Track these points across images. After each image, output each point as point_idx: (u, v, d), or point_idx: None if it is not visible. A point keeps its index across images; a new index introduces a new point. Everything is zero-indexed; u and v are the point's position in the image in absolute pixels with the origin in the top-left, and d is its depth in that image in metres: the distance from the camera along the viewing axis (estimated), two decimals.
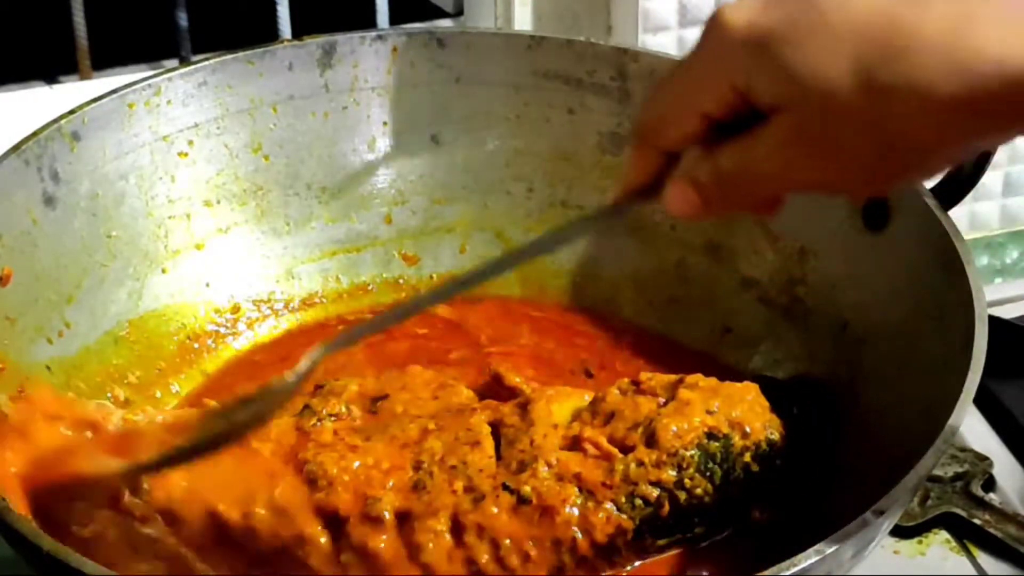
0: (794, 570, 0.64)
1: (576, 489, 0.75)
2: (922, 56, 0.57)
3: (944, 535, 0.88)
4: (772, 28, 0.60)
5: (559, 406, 0.81)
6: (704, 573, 0.78)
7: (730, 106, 0.62)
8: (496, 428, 0.80)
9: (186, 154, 0.94)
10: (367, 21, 1.19)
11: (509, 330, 0.96)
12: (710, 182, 0.64)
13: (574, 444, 0.78)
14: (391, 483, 0.76)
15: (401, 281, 1.00)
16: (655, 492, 0.76)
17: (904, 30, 0.58)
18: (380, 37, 0.98)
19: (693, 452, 0.77)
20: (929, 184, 0.86)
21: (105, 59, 1.17)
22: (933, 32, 0.57)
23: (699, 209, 0.65)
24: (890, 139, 0.59)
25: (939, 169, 0.64)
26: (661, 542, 0.77)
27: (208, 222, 0.95)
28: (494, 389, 0.87)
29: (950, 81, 0.57)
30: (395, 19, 1.20)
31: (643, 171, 0.67)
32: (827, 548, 0.65)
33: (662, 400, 0.80)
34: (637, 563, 0.77)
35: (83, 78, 1.15)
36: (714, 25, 0.62)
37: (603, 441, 0.77)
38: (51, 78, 1.19)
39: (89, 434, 0.76)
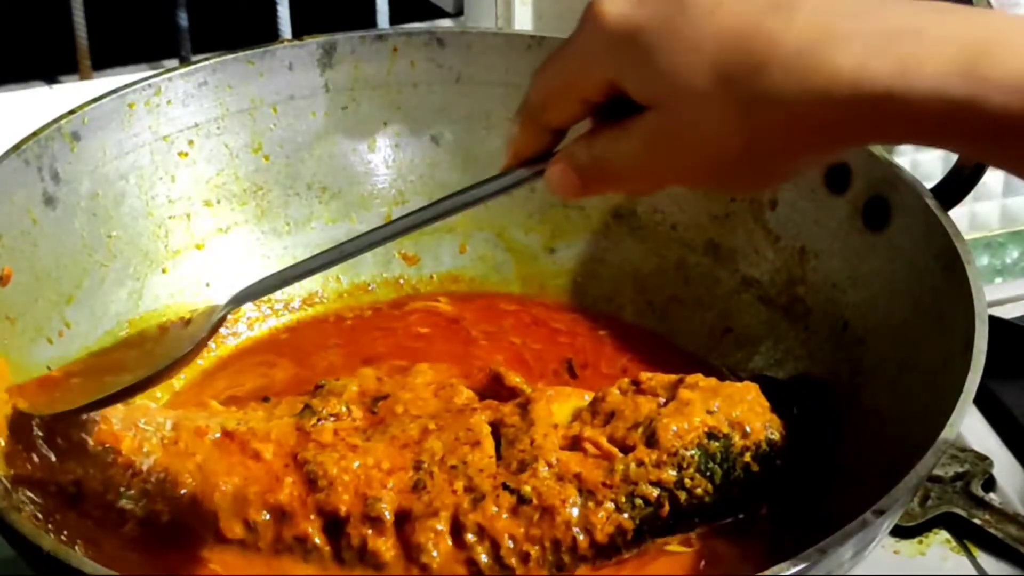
0: (794, 570, 0.64)
1: (576, 489, 0.76)
2: (780, 71, 0.58)
3: (944, 535, 0.88)
4: (642, 25, 0.61)
5: (559, 406, 0.81)
6: (704, 573, 0.78)
7: (606, 94, 0.63)
8: (496, 428, 0.80)
9: (186, 154, 0.94)
10: (367, 21, 1.19)
11: (495, 328, 0.96)
12: (586, 165, 0.65)
13: (574, 444, 0.78)
14: (391, 483, 0.76)
15: (401, 281, 1.00)
16: (655, 492, 0.76)
17: (765, 43, 0.59)
18: (380, 37, 0.98)
19: (693, 452, 0.77)
20: (929, 184, 0.86)
21: (105, 59, 1.17)
22: (793, 47, 0.58)
23: (576, 190, 0.66)
24: (747, 146, 0.60)
25: (796, 174, 0.65)
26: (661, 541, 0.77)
27: (208, 222, 0.95)
28: (494, 389, 0.87)
29: (806, 97, 0.58)
30: (395, 19, 1.20)
31: (529, 145, 0.68)
32: (827, 548, 0.65)
33: (662, 400, 0.80)
34: (636, 562, 0.77)
35: (83, 78, 1.15)
36: (590, 15, 0.63)
37: (603, 441, 0.77)
38: (51, 78, 1.19)
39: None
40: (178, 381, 0.91)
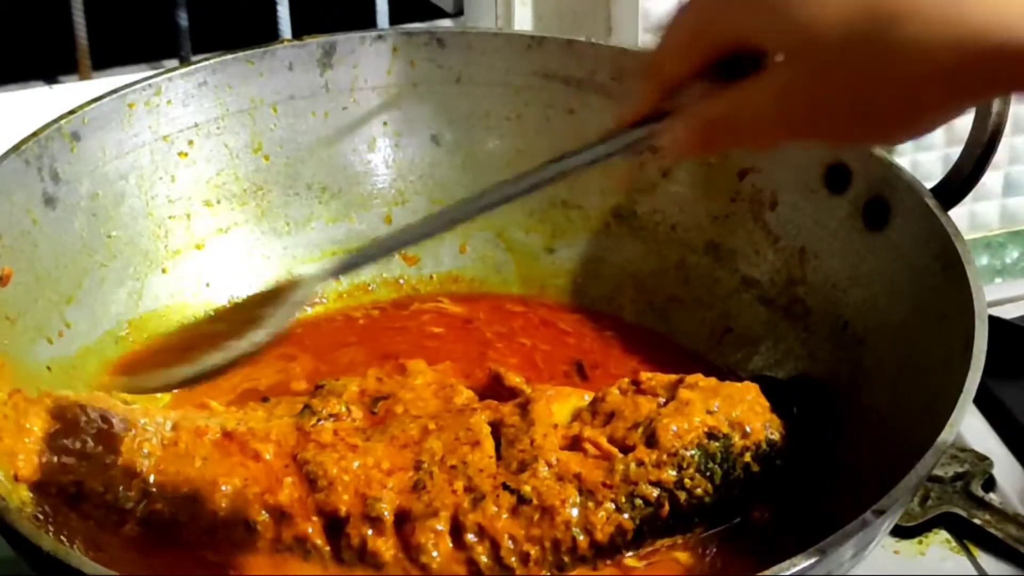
0: (794, 570, 0.64)
1: (576, 489, 0.76)
2: (918, 21, 0.58)
3: (944, 535, 0.88)
4: None
5: (559, 406, 0.81)
6: (704, 573, 0.78)
7: (731, 49, 0.63)
8: (496, 428, 0.80)
9: (186, 154, 0.94)
10: (367, 21, 1.19)
11: (506, 329, 0.96)
12: (706, 121, 0.65)
13: (574, 444, 0.78)
14: (391, 483, 0.76)
15: (401, 281, 1.00)
16: (655, 492, 0.76)
17: None
18: (380, 37, 0.98)
19: (693, 452, 0.77)
20: (929, 184, 0.86)
21: (105, 59, 1.17)
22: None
23: (693, 147, 0.66)
24: (883, 96, 0.60)
25: (927, 129, 0.64)
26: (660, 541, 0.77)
27: (208, 222, 0.95)
28: (494, 389, 0.87)
29: (946, 48, 0.58)
30: (395, 19, 1.20)
31: (645, 103, 0.67)
32: (827, 548, 0.65)
33: (662, 400, 0.80)
34: (636, 562, 0.77)
35: (83, 78, 1.15)
36: None
37: (603, 441, 0.77)
38: (51, 78, 1.19)
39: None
40: None
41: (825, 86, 0.61)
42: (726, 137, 0.66)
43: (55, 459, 0.75)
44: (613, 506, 0.76)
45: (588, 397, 0.82)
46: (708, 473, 0.77)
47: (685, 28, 0.65)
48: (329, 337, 0.95)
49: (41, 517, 0.72)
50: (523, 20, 1.14)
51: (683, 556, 0.78)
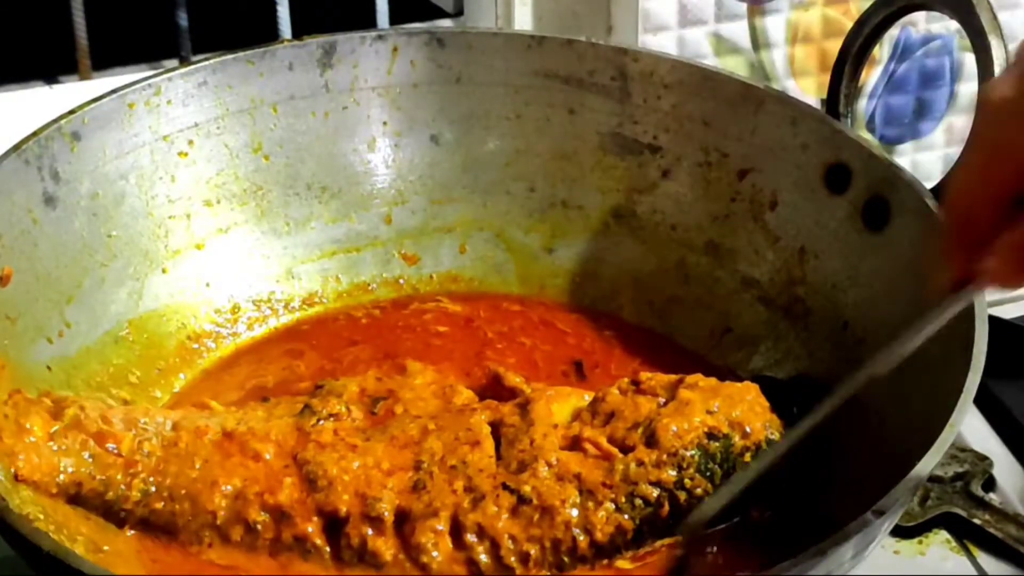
0: (794, 570, 0.64)
1: (576, 489, 0.76)
2: None
3: (944, 535, 0.88)
4: None
5: (559, 406, 0.81)
6: (704, 573, 0.78)
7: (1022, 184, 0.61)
8: (496, 428, 0.80)
9: (186, 154, 0.94)
10: (367, 21, 1.19)
11: (506, 329, 0.96)
12: (1020, 251, 0.63)
13: (574, 444, 0.78)
14: (391, 483, 0.76)
15: (401, 281, 1.00)
16: (655, 492, 0.76)
17: None
18: (380, 37, 0.98)
19: (693, 452, 0.77)
20: (929, 184, 0.86)
21: (105, 59, 1.17)
22: None
23: (1012, 278, 0.64)
24: None
25: None
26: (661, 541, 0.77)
27: (208, 222, 0.95)
28: (494, 389, 0.87)
29: None
30: (395, 19, 1.20)
31: (960, 267, 0.66)
32: (827, 548, 0.65)
33: (662, 400, 0.80)
34: (636, 562, 0.77)
35: (83, 78, 1.15)
36: (986, 105, 0.61)
37: (603, 441, 0.77)
38: (51, 78, 1.19)
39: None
40: (178, 381, 0.91)
41: None
42: None
43: (55, 459, 0.75)
44: (613, 506, 0.76)
45: (588, 397, 0.82)
46: (708, 473, 0.77)
47: (974, 178, 0.63)
48: (333, 336, 0.95)
49: (41, 517, 0.72)
50: (523, 20, 1.14)
51: (682, 556, 0.77)
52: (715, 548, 0.78)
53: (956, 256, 0.66)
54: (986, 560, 0.86)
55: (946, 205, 0.66)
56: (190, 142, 0.94)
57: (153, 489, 0.77)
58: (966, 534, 0.87)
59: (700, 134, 0.96)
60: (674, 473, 0.76)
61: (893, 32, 1.08)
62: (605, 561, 0.76)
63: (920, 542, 0.87)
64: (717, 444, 0.78)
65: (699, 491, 0.77)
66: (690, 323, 0.96)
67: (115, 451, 0.77)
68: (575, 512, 0.75)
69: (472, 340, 0.95)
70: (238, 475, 0.77)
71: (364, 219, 0.99)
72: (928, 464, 0.69)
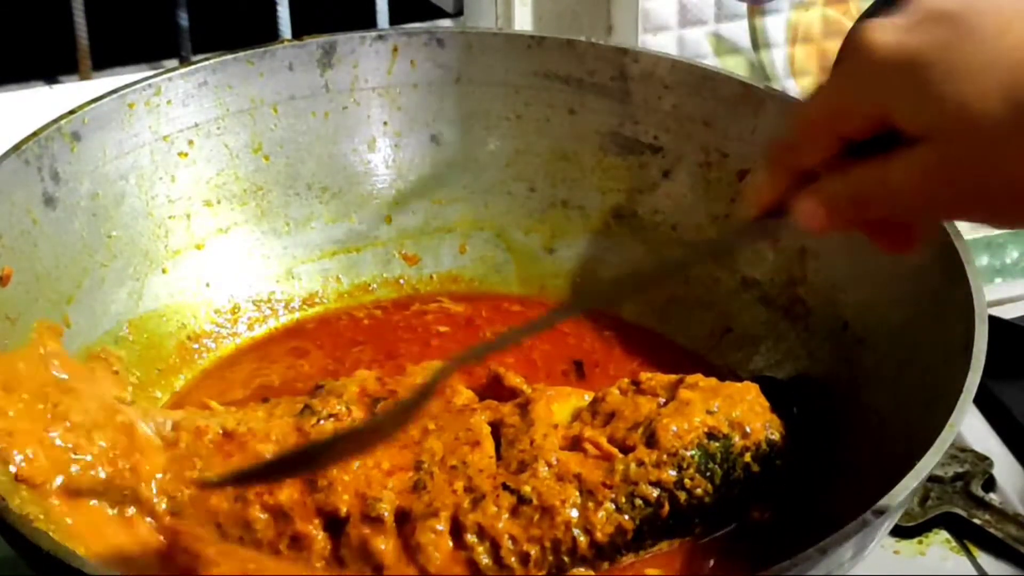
0: (794, 570, 0.64)
1: (576, 489, 0.75)
2: None
3: (944, 535, 0.88)
4: (921, 51, 0.57)
5: (559, 406, 0.81)
6: (704, 573, 0.78)
7: (870, 129, 0.60)
8: (496, 428, 0.80)
9: (186, 154, 0.94)
10: (367, 21, 1.19)
11: (506, 329, 0.96)
12: (843, 199, 0.62)
13: (574, 444, 0.78)
14: (391, 483, 0.76)
15: (402, 281, 1.00)
16: (655, 492, 0.76)
17: None
18: (380, 37, 0.98)
19: (693, 452, 0.77)
20: None
21: (105, 59, 1.17)
22: None
23: (828, 223, 0.63)
24: None
25: None
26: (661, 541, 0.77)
27: (208, 222, 0.95)
28: (494, 389, 0.87)
29: None
30: (395, 19, 1.20)
31: (774, 189, 0.65)
32: (827, 548, 0.65)
33: (662, 400, 0.80)
34: (636, 562, 0.77)
35: (83, 78, 1.15)
36: (857, 44, 0.59)
37: (603, 441, 0.77)
38: (51, 78, 1.19)
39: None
40: (178, 381, 0.91)
41: (978, 169, 0.57)
42: (863, 213, 0.63)
43: (55, 459, 0.75)
44: (613, 506, 0.76)
45: (588, 397, 0.82)
46: (708, 473, 0.77)
47: (823, 108, 0.62)
48: (333, 336, 0.95)
49: (41, 517, 0.72)
50: (523, 20, 1.15)
51: (682, 556, 0.77)
52: (714, 548, 0.78)
53: (776, 177, 0.65)
54: (986, 560, 0.86)
55: (794, 119, 0.64)
56: (190, 142, 0.94)
57: (153, 489, 0.77)
58: (966, 534, 0.87)
59: (700, 134, 0.96)
60: (674, 473, 0.76)
61: None
62: (605, 564, 0.76)
63: (920, 542, 0.87)
64: (717, 444, 0.78)
65: (699, 491, 0.77)
66: (690, 323, 0.96)
67: (115, 451, 0.77)
68: (575, 512, 0.75)
69: (473, 340, 0.95)
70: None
71: (364, 219, 0.99)
72: (928, 464, 0.69)
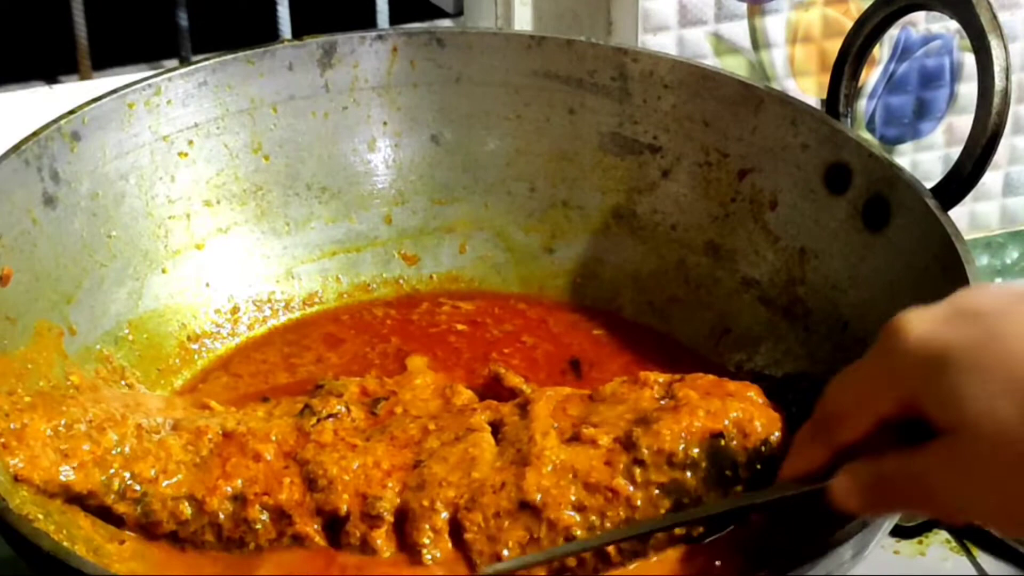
0: (794, 570, 0.64)
1: (576, 489, 0.75)
2: None
3: (944, 535, 0.88)
4: (950, 347, 0.59)
5: (560, 406, 0.81)
6: (704, 573, 0.78)
7: (903, 413, 0.61)
8: (496, 428, 0.80)
9: (186, 154, 0.94)
10: (367, 21, 1.19)
11: (506, 329, 0.97)
12: (870, 484, 0.63)
13: (574, 443, 0.78)
14: (391, 483, 0.76)
15: (401, 281, 1.00)
16: (655, 492, 0.76)
17: None
18: (380, 37, 0.98)
19: (693, 452, 0.77)
20: (929, 184, 0.86)
21: (105, 59, 1.17)
22: None
23: (862, 506, 0.64)
24: None
25: None
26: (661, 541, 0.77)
27: (208, 222, 0.95)
28: (494, 389, 0.87)
29: None
30: (395, 19, 1.20)
31: (814, 461, 0.67)
32: (827, 548, 0.65)
33: (662, 399, 0.80)
34: (637, 562, 0.77)
35: (83, 78, 1.15)
36: (893, 331, 0.61)
37: (603, 441, 0.77)
38: (51, 78, 1.19)
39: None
40: (178, 381, 0.91)
41: (996, 470, 0.58)
42: (885, 502, 0.63)
43: (55, 459, 0.75)
44: (613, 506, 0.75)
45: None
46: (708, 473, 0.77)
47: (855, 388, 0.64)
48: (334, 337, 0.95)
49: (41, 517, 0.72)
50: (523, 20, 1.15)
51: (682, 556, 0.77)
52: (713, 548, 0.78)
53: (816, 450, 0.66)
54: (986, 560, 0.86)
55: (826, 395, 0.66)
56: (190, 142, 0.94)
57: (153, 490, 0.77)
58: (966, 534, 0.88)
59: (700, 134, 0.96)
60: (674, 473, 0.76)
61: (893, 32, 1.08)
62: (605, 565, 0.76)
63: (920, 542, 0.87)
64: (717, 444, 0.78)
65: (699, 491, 0.77)
66: (690, 323, 0.96)
67: (115, 451, 0.77)
68: (575, 512, 0.75)
69: (479, 340, 0.95)
70: (238, 475, 0.77)
71: (364, 219, 0.99)
72: None
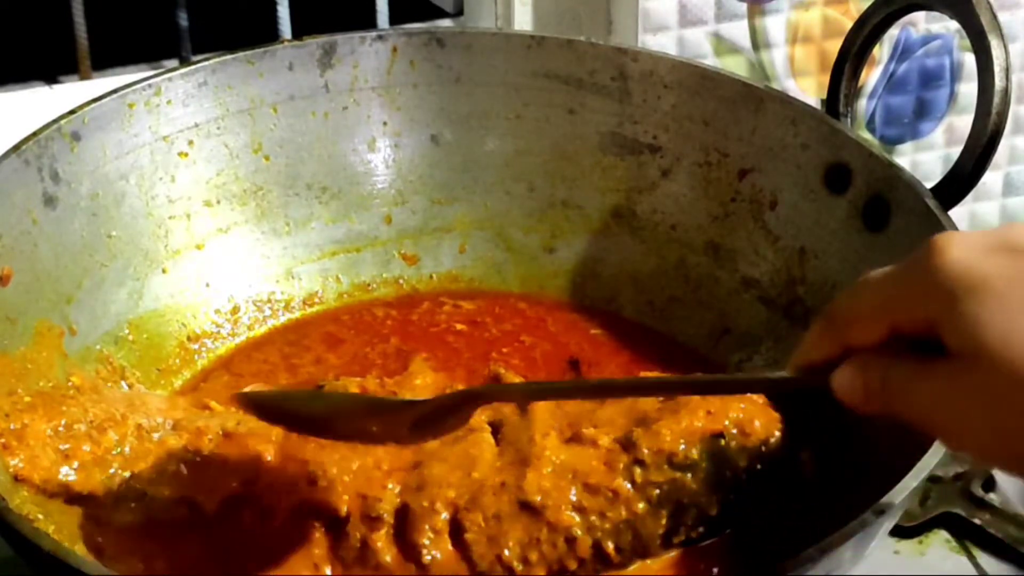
0: (794, 570, 0.64)
1: (577, 489, 0.75)
2: None
3: (944, 535, 0.88)
4: (987, 279, 0.58)
5: (559, 406, 0.81)
6: (704, 574, 0.78)
7: (920, 331, 0.60)
8: (496, 428, 0.80)
9: (186, 154, 0.94)
10: (367, 21, 1.19)
11: (507, 328, 0.97)
12: (876, 387, 0.63)
13: (574, 444, 0.78)
14: (391, 483, 0.76)
15: (401, 281, 1.00)
16: (655, 492, 0.76)
17: None
18: (380, 37, 0.98)
19: (694, 452, 0.77)
20: (929, 184, 0.86)
21: (105, 59, 1.17)
22: None
23: (861, 402, 0.64)
24: None
25: None
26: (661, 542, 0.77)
27: (208, 222, 0.95)
28: None
29: None
30: (395, 19, 1.20)
31: (821, 352, 0.66)
32: (827, 548, 0.65)
33: (662, 400, 0.80)
34: (637, 563, 0.77)
35: (83, 78, 1.16)
36: (933, 248, 0.60)
37: (603, 441, 0.77)
38: (51, 78, 1.19)
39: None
40: (178, 381, 0.91)
41: (1006, 403, 0.57)
42: (891, 407, 0.62)
43: (55, 459, 0.75)
44: (613, 507, 0.76)
45: None
46: (708, 473, 0.77)
47: (876, 297, 0.63)
48: (334, 337, 0.95)
49: (41, 517, 0.73)
50: (523, 20, 1.15)
51: (681, 555, 0.77)
52: (712, 548, 0.78)
53: (825, 343, 0.65)
54: (986, 560, 0.86)
55: (848, 293, 0.65)
56: (190, 142, 0.94)
57: (153, 489, 0.77)
58: (966, 534, 0.87)
59: (700, 134, 0.96)
60: (675, 474, 0.76)
61: (893, 32, 1.08)
62: (605, 566, 0.76)
63: (920, 542, 0.87)
64: (717, 444, 0.78)
65: (700, 492, 0.77)
66: (690, 323, 0.96)
67: (115, 451, 0.77)
68: (575, 513, 0.75)
69: (479, 340, 0.95)
70: (239, 475, 0.77)
71: (364, 219, 1.00)
72: (928, 464, 0.69)
